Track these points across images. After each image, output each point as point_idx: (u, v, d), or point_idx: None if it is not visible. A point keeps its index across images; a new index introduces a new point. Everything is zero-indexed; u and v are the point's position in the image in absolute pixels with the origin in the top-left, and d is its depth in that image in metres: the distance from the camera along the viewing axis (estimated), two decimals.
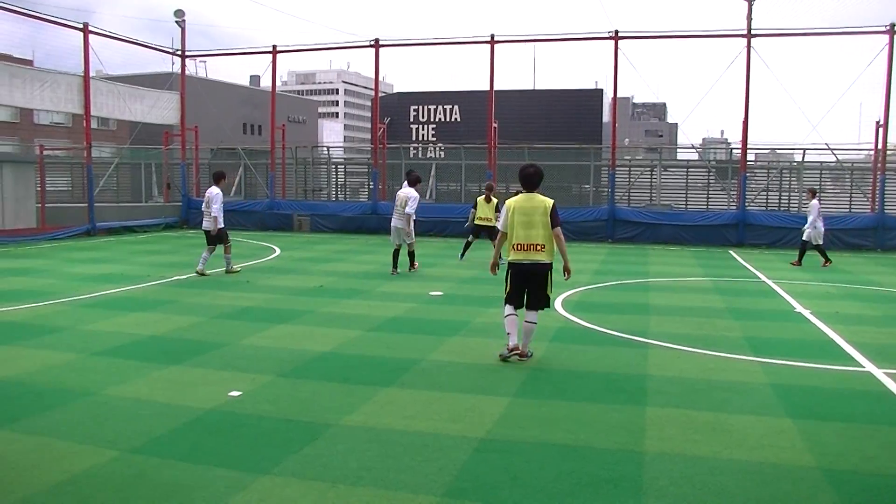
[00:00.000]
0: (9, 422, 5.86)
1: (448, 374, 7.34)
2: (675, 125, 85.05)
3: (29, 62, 37.10)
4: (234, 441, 5.47)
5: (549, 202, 7.84)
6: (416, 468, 4.95)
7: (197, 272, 14.14)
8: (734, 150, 28.10)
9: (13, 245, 19.99)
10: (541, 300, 7.87)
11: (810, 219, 17.57)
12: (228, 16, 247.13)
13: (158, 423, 5.83)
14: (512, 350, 7.78)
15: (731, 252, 20.51)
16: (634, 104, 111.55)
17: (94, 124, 26.58)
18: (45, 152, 28.12)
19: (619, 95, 25.59)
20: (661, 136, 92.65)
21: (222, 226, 14.46)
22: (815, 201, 17.77)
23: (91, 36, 23.93)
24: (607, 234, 23.16)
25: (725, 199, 26.44)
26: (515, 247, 7.79)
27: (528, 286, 7.85)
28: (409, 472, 4.87)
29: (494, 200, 16.76)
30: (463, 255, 17.17)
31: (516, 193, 8.31)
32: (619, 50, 23.75)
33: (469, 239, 17.33)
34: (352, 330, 9.39)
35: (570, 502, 4.46)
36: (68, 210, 25.44)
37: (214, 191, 14.42)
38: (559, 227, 7.81)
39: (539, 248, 7.72)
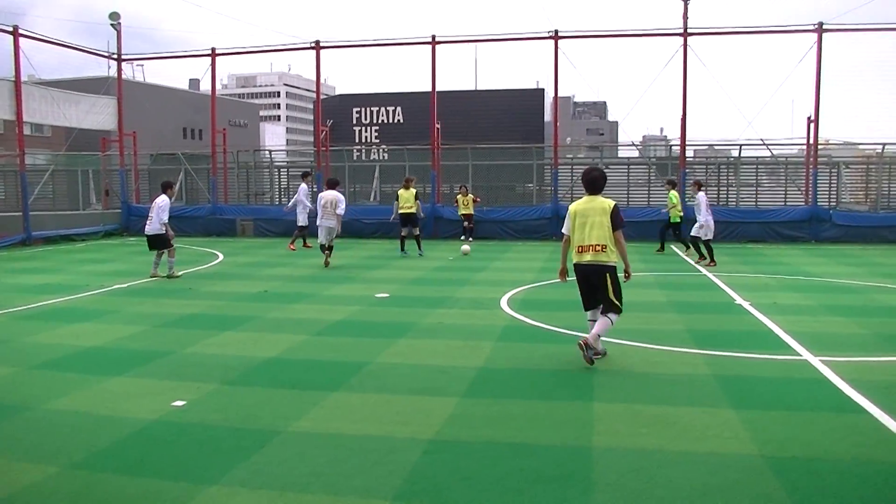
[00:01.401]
0: None
1: (396, 377, 7.32)
2: (616, 123, 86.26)
3: None
4: (180, 452, 5.38)
5: (610, 203, 7.80)
6: (366, 472, 4.93)
7: (152, 276, 14.47)
8: (673, 147, 28.64)
9: None
10: (605, 301, 7.70)
11: (702, 214, 16.58)
12: (168, 19, 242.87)
13: (101, 436, 5.70)
14: (587, 345, 7.50)
15: (672, 246, 20.87)
16: (575, 103, 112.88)
17: (27, 130, 25.87)
18: None
19: (560, 95, 25.89)
20: (602, 134, 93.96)
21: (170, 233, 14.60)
22: (701, 194, 17.06)
23: (22, 39, 23.29)
24: (551, 232, 23.36)
25: (666, 195, 26.89)
26: (577, 249, 7.78)
27: (591, 288, 7.79)
28: (360, 477, 4.85)
29: (413, 190, 18.63)
30: (403, 248, 18.58)
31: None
32: (559, 50, 24.02)
33: (403, 234, 18.54)
34: (298, 334, 9.31)
35: (520, 500, 4.49)
36: (1, 219, 24.69)
37: (163, 200, 14.50)
38: (620, 231, 7.72)
39: (598, 248, 7.63)
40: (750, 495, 4.54)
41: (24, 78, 24.06)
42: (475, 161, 28.51)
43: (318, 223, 16.50)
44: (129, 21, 27.18)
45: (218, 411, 6.29)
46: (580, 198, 8.03)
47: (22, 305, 11.70)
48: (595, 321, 7.83)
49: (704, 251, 16.68)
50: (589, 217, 7.72)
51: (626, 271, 7.92)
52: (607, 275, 7.66)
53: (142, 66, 36.42)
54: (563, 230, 8.08)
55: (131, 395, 6.80)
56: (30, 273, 16.13)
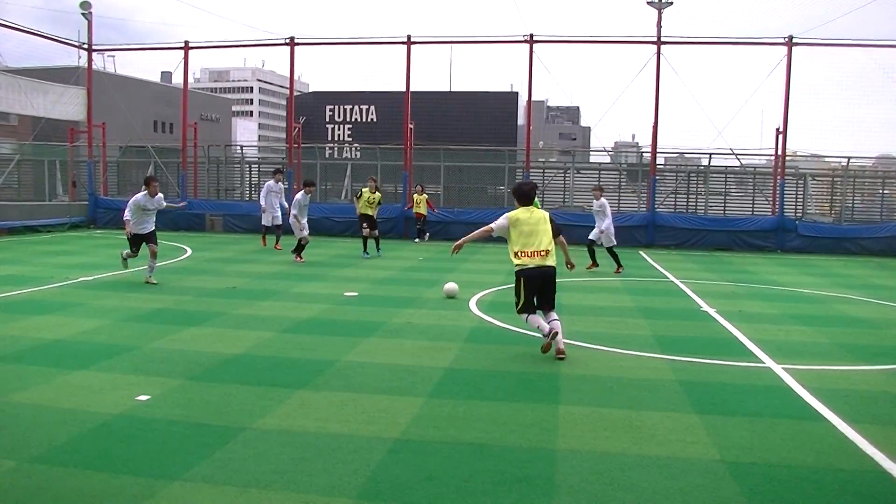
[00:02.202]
0: None
1: (363, 376, 7.31)
2: (589, 129, 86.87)
3: None
4: (142, 447, 5.32)
5: (547, 214, 8.60)
6: (329, 470, 4.92)
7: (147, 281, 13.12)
8: (644, 154, 28.87)
9: None
10: (550, 302, 8.41)
11: (605, 221, 16.38)
12: (141, 10, 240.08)
13: (61, 431, 5.62)
14: (551, 333, 8.03)
15: (640, 252, 21.07)
16: (549, 107, 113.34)
17: None
18: None
19: (533, 98, 26.00)
20: (575, 139, 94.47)
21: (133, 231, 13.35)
22: (604, 200, 16.82)
23: None
24: None
25: (636, 202, 27.13)
26: (524, 254, 8.25)
27: (542, 289, 8.32)
28: (323, 475, 4.84)
29: (379, 194, 18.88)
30: (366, 249, 18.34)
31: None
32: (533, 53, 24.13)
33: (365, 234, 18.35)
34: (265, 332, 9.26)
35: (483, 501, 4.50)
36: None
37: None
38: (561, 235, 8.66)
39: (546, 253, 8.27)
40: (710, 499, 4.60)
41: None
42: (447, 162, 28.57)
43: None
44: (101, 11, 26.90)
45: (182, 407, 6.23)
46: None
47: None
48: (534, 315, 8.30)
49: (600, 259, 16.54)
50: (535, 225, 8.35)
51: (569, 262, 9.15)
52: (555, 275, 8.41)
53: (113, 56, 36.12)
54: (494, 225, 8.54)
55: (94, 390, 6.72)
56: None
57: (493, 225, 8.56)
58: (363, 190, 18.81)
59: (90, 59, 28.06)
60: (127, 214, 13.24)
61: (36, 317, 10.05)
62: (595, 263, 16.43)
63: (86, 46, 27.93)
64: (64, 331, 9.18)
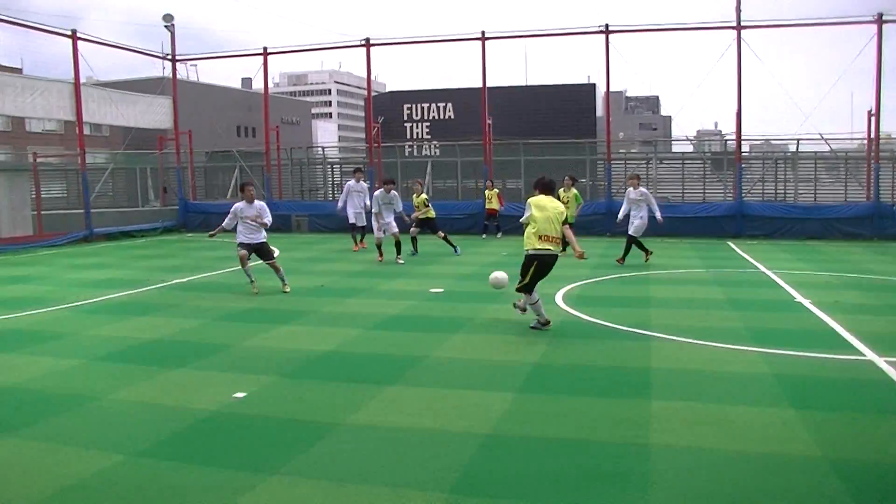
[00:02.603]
0: (16, 428, 5.88)
1: (452, 371, 7.35)
2: (669, 118, 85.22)
3: (18, 70, 37.06)
4: (240, 442, 5.48)
5: (562, 207, 9.42)
6: (423, 465, 4.96)
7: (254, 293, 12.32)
8: (729, 142, 28.12)
9: (11, 253, 19.94)
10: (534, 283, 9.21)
11: (643, 212, 15.78)
12: (219, 19, 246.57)
13: (164, 427, 5.84)
14: (546, 323, 9.14)
15: (729, 243, 20.54)
16: (628, 98, 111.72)
17: (86, 130, 26.56)
18: (38, 160, 28.00)
19: (611, 89, 25.61)
20: (656, 129, 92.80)
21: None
22: (643, 188, 16.31)
23: (80, 42, 23.86)
24: (605, 228, 23.13)
25: (722, 191, 26.46)
26: (546, 238, 9.04)
27: (545, 272, 9.15)
28: (417, 470, 4.89)
29: (424, 196, 18.87)
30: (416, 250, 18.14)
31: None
32: (609, 44, 23.76)
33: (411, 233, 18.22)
34: (354, 329, 9.40)
35: (577, 496, 4.48)
36: (65, 216, 25.35)
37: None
38: (567, 225, 9.45)
39: (558, 241, 9.20)
40: (813, 498, 4.46)
41: (82, 80, 24.64)
42: (527, 157, 28.41)
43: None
44: (182, 22, 27.86)
45: (276, 403, 6.39)
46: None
47: (86, 300, 12.02)
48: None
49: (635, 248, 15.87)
50: (556, 213, 9.16)
51: (580, 253, 9.62)
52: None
53: (195, 65, 37.18)
54: (523, 219, 9.34)
55: (193, 387, 6.95)
56: (92, 269, 16.55)
57: (523, 219, 9.35)
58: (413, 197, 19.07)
59: (174, 69, 28.95)
60: (225, 221, 12.80)
61: (136, 318, 10.44)
62: (648, 252, 15.91)
63: (170, 57, 28.83)
64: (162, 331, 9.51)
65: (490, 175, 25.15)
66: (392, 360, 7.84)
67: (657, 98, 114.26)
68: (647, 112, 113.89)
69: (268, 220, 12.86)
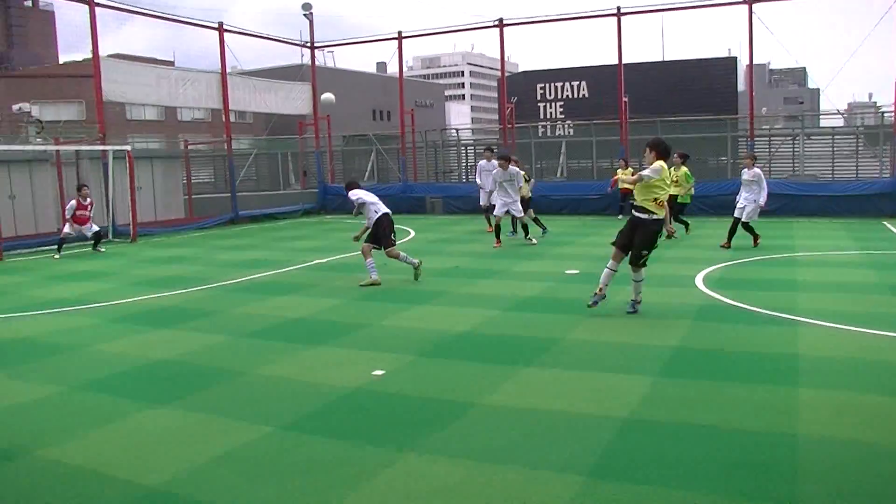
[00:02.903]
0: (176, 398, 6.28)
1: (589, 354, 7.26)
2: (817, 91, 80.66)
3: (170, 63, 39.18)
4: (380, 419, 5.62)
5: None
6: (560, 447, 4.93)
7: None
8: (886, 114, 26.32)
9: (165, 235, 21.23)
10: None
11: (763, 194, 14.72)
12: (353, 4, 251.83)
13: (307, 401, 6.07)
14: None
15: (885, 223, 19.25)
16: (771, 70, 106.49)
17: (232, 118, 27.78)
18: (189, 147, 29.59)
19: (754, 62, 24.46)
20: (802, 102, 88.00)
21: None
22: (757, 169, 15.04)
23: (226, 34, 24.97)
24: None
25: (877, 167, 24.84)
26: (661, 203, 8.82)
27: None
28: (554, 452, 4.86)
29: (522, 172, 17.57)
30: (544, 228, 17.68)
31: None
32: (753, 14, 22.67)
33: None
34: (489, 310, 9.44)
35: (719, 485, 4.32)
36: (213, 200, 26.71)
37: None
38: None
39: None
40: None
41: (228, 69, 25.80)
42: (665, 134, 27.58)
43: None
44: (317, 10, 28.51)
45: (415, 382, 6.51)
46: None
47: (232, 279, 12.63)
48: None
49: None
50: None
51: None
52: None
53: (332, 52, 38.17)
54: (648, 172, 8.82)
55: (334, 364, 7.18)
56: (238, 249, 17.36)
57: (645, 172, 8.72)
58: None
59: (313, 56, 29.84)
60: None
61: (279, 297, 10.89)
62: (728, 243, 14.54)
63: (308, 45, 29.71)
64: (304, 310, 9.88)
65: (626, 154, 24.60)
66: (527, 341, 7.83)
67: (804, 70, 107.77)
68: (792, 85, 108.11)
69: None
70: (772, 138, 28.03)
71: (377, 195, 12.61)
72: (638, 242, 8.70)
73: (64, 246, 17.35)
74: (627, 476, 4.48)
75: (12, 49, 70.76)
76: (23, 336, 8.92)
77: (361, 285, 11.47)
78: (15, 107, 27.08)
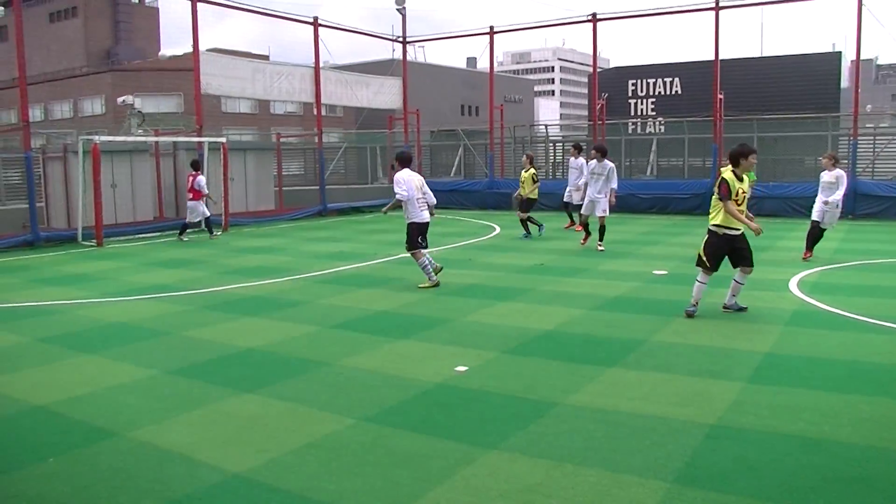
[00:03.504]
0: (263, 386, 6.43)
1: (675, 356, 7.08)
2: None
3: (265, 57, 40.10)
4: (461, 415, 5.61)
5: (722, 175, 8.69)
6: (644, 452, 4.82)
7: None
8: None
9: (256, 225, 21.75)
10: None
11: (838, 193, 12.99)
12: (444, 0, 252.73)
13: (390, 394, 6.11)
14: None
15: None
16: (879, 66, 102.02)
17: (323, 112, 28.26)
18: (281, 140, 30.23)
19: (861, 57, 23.43)
20: None
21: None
22: (839, 170, 13.31)
23: (319, 28, 25.38)
24: (847, 210, 21.30)
25: None
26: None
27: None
28: (637, 456, 4.76)
29: (532, 170, 17.60)
30: (528, 232, 17.54)
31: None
32: (862, 5, 21.69)
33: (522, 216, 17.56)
34: (574, 308, 9.33)
35: (813, 499, 4.14)
36: (302, 192, 27.21)
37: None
38: (727, 202, 8.51)
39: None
40: None
41: (320, 64, 26.23)
42: (761, 133, 26.76)
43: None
44: (410, 5, 28.68)
45: (497, 379, 6.47)
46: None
47: (319, 271, 12.84)
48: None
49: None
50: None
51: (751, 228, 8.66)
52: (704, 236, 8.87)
53: (423, 47, 38.38)
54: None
55: (416, 358, 7.21)
56: (325, 241, 17.65)
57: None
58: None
59: (404, 51, 30.06)
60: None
61: (363, 290, 11.00)
62: (809, 251, 13.14)
63: (400, 39, 29.95)
64: (387, 303, 9.96)
65: (720, 153, 23.93)
66: (612, 341, 7.69)
67: None
68: None
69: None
70: (877, 137, 26.84)
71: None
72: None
73: (162, 233, 18.04)
74: (713, 484, 4.34)
75: (119, 44, 73.87)
76: (122, 320, 9.27)
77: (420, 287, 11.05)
78: (119, 99, 28.27)
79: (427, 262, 11.17)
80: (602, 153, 15.24)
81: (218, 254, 15.70)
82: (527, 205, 17.55)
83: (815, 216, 13.24)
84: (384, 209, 12.27)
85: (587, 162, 16.43)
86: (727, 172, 8.62)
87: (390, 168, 31.58)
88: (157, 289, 11.39)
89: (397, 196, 11.20)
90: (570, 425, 5.32)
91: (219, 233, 18.90)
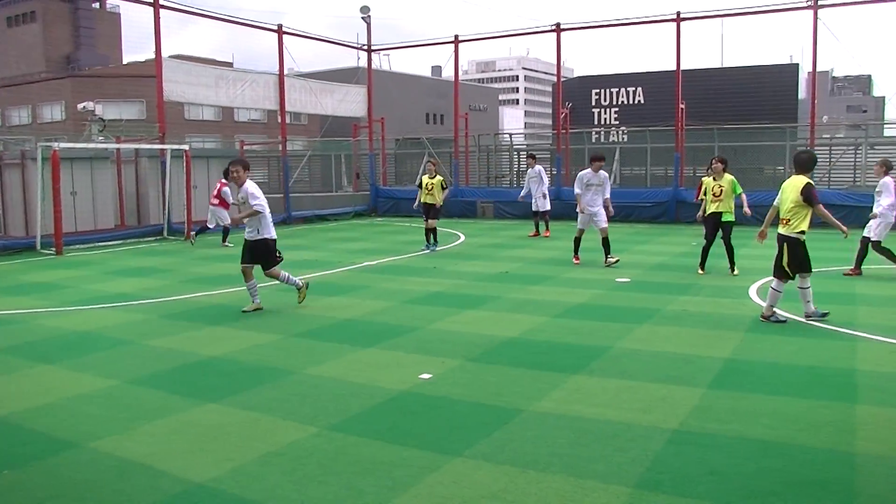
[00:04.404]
0: (226, 395, 6.38)
1: (639, 363, 7.16)
2: (883, 98, 78.52)
3: (229, 64, 39.87)
4: (426, 422, 5.61)
5: (803, 181, 8.64)
6: (607, 457, 4.87)
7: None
8: None
9: (219, 233, 21.50)
10: (776, 269, 8.85)
11: (890, 200, 12.14)
12: (409, 7, 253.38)
13: (355, 402, 6.09)
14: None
15: None
16: (834, 78, 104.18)
17: (287, 119, 28.13)
18: (245, 147, 30.03)
19: (817, 69, 23.93)
20: (866, 111, 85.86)
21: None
22: (889, 178, 12.30)
23: (284, 36, 25.30)
24: None
25: None
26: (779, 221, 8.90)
27: (778, 255, 8.81)
28: (601, 461, 4.80)
29: (440, 178, 16.76)
30: (428, 241, 16.53)
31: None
32: (818, 19, 22.18)
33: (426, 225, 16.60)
34: (539, 316, 9.38)
35: (773, 502, 4.21)
36: (266, 200, 26.99)
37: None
38: (819, 205, 8.57)
39: (784, 221, 8.72)
40: None
41: (285, 71, 26.13)
42: (722, 142, 27.20)
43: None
44: (375, 13, 28.59)
45: (462, 386, 6.49)
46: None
47: None
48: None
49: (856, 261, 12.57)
50: (784, 193, 8.83)
51: (840, 229, 8.95)
52: (784, 244, 8.68)
53: (388, 55, 38.39)
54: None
55: (381, 366, 7.20)
56: (290, 250, 17.48)
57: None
58: (422, 177, 16.80)
59: (369, 59, 30.08)
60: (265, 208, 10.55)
61: (329, 298, 10.97)
62: (857, 269, 12.50)
63: (366, 48, 29.96)
64: (353, 311, 9.93)
65: (682, 161, 24.24)
66: (576, 348, 7.76)
67: (869, 77, 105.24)
68: (856, 93, 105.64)
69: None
70: (833, 147, 27.42)
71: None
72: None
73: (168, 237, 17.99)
74: (675, 489, 4.39)
75: (80, 50, 72.90)
76: (83, 330, 9.14)
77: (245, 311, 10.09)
78: (80, 105, 27.83)
79: (286, 277, 10.38)
80: (599, 160, 14.04)
81: (181, 262, 15.54)
82: (436, 213, 16.69)
83: (865, 231, 12.54)
84: (228, 222, 10.57)
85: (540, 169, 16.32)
86: (806, 178, 8.66)
87: (355, 177, 31.60)
88: (118, 298, 11.25)
89: (255, 208, 10.21)
90: (535, 432, 5.35)
91: (230, 244, 18.76)
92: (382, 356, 7.60)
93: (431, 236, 16.61)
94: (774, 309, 8.86)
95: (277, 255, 10.41)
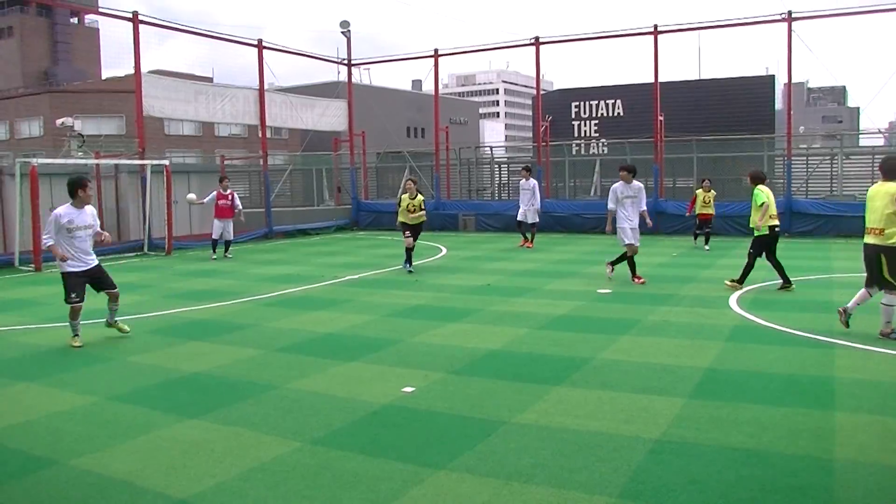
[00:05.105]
0: (209, 410, 6.34)
1: (620, 374, 7.20)
2: (857, 109, 79.50)
3: (209, 79, 39.80)
4: (409, 436, 5.62)
5: (886, 186, 8.28)
6: (589, 468, 4.89)
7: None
8: None
9: (200, 248, 21.45)
10: (872, 280, 8.45)
11: None
12: (389, 22, 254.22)
13: (338, 417, 6.09)
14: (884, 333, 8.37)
15: None
16: (810, 89, 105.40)
17: (268, 134, 28.10)
18: (225, 162, 29.94)
19: (793, 81, 24.23)
20: (841, 121, 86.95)
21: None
22: None
23: (264, 51, 25.30)
24: (783, 228, 21.89)
25: None
26: (866, 230, 8.50)
27: (868, 265, 8.48)
28: (583, 472, 4.82)
29: (421, 197, 15.55)
30: (409, 262, 15.39)
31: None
32: (792, 32, 22.48)
33: (406, 244, 15.40)
34: (520, 328, 9.42)
35: None
36: (247, 215, 26.87)
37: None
38: None
39: (876, 231, 8.28)
40: None
41: (265, 86, 26.12)
42: (700, 154, 27.43)
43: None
44: (355, 28, 28.63)
45: (444, 399, 6.50)
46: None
47: (266, 293, 12.73)
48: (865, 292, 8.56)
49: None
50: (872, 201, 8.37)
51: None
52: (882, 255, 8.19)
53: (368, 69, 38.47)
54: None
55: (364, 380, 7.20)
56: (272, 264, 17.51)
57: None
58: (401, 196, 15.85)
59: (350, 74, 30.12)
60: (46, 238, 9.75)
61: (311, 312, 10.95)
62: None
63: (346, 62, 30.01)
64: (335, 325, 9.92)
65: (661, 173, 24.42)
66: (558, 360, 7.79)
67: (843, 88, 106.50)
68: (831, 104, 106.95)
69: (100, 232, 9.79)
70: (809, 158, 27.73)
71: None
72: None
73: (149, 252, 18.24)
74: (657, 498, 4.43)
75: (58, 65, 72.53)
76: (60, 346, 9.08)
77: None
78: (58, 121, 27.70)
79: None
80: (632, 173, 13.23)
81: (162, 277, 15.46)
82: (417, 231, 15.68)
83: None
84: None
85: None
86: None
87: (336, 191, 31.58)
88: (98, 314, 11.14)
89: (45, 242, 9.30)
90: (517, 443, 5.37)
91: (231, 255, 19.08)
92: (365, 370, 7.60)
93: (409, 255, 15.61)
94: (893, 326, 8.31)
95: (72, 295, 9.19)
